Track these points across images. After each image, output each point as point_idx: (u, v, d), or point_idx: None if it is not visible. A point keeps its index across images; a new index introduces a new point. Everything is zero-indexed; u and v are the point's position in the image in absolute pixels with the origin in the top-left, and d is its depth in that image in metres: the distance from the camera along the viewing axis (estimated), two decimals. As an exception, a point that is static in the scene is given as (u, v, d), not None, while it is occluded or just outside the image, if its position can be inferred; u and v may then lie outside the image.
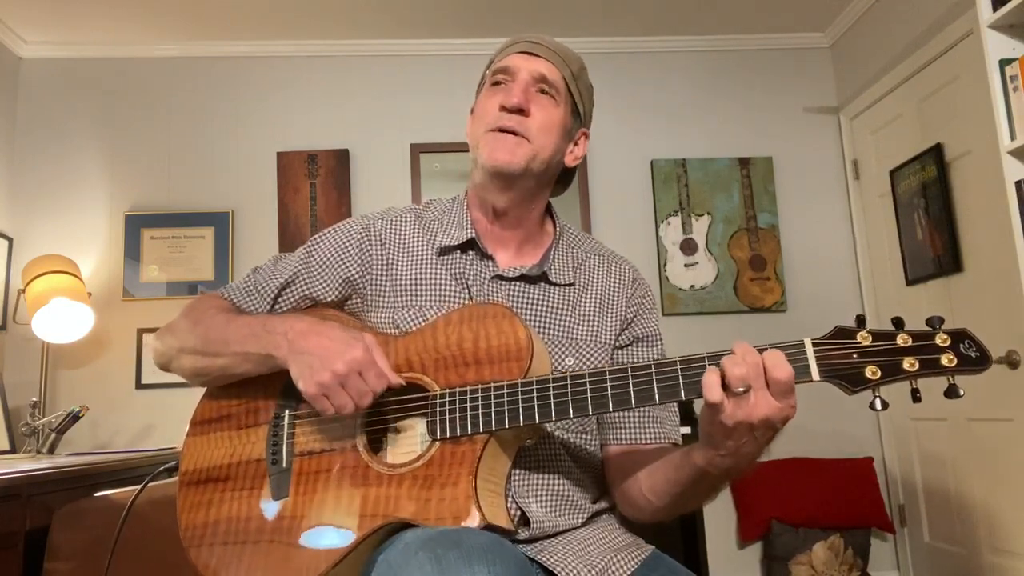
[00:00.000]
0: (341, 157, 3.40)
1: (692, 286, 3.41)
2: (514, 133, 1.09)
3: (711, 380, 0.84)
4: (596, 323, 1.15)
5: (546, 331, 1.12)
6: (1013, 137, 2.12)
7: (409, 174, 3.44)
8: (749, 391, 0.83)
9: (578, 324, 1.13)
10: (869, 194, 3.40)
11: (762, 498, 3.13)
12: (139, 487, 1.22)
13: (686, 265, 3.43)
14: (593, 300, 1.16)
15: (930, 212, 2.91)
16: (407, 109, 3.48)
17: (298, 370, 0.99)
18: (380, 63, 3.53)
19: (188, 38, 3.42)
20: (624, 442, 1.13)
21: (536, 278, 1.14)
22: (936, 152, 2.85)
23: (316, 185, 3.38)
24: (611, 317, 1.16)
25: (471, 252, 1.15)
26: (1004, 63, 2.15)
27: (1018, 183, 2.09)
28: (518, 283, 1.13)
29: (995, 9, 2.15)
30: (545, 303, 1.13)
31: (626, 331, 1.17)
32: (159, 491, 1.43)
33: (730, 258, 3.44)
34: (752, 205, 3.48)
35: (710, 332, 3.33)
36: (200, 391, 1.17)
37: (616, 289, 1.18)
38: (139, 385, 3.21)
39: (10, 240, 3.21)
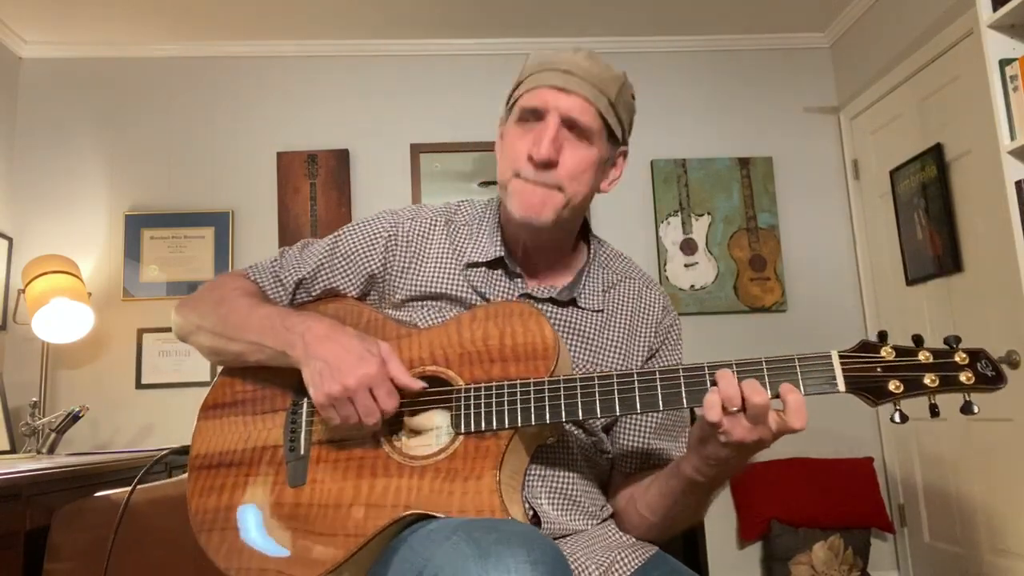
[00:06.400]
0: (341, 157, 3.40)
1: (692, 286, 3.41)
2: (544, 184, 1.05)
3: (712, 400, 0.88)
4: (623, 350, 1.13)
5: (572, 356, 1.10)
6: (1013, 137, 2.12)
7: (409, 174, 3.44)
8: (740, 413, 0.87)
9: (605, 350, 1.12)
10: (869, 194, 3.40)
11: (762, 498, 3.13)
12: (143, 469, 1.22)
13: (686, 265, 3.43)
14: (622, 326, 1.14)
15: (930, 212, 2.90)
16: (407, 109, 3.48)
17: (310, 375, 0.99)
18: (380, 63, 3.53)
19: (188, 38, 3.42)
20: (632, 470, 1.14)
21: (565, 302, 1.12)
22: (936, 152, 2.85)
23: (316, 185, 3.38)
24: (638, 344, 1.15)
25: (499, 269, 1.13)
26: (1004, 63, 2.15)
27: (1018, 183, 2.09)
28: (546, 304, 1.12)
29: (995, 9, 2.15)
30: (573, 328, 1.12)
31: (650, 361, 1.17)
32: (159, 492, 1.43)
33: (730, 258, 3.44)
34: (752, 205, 3.48)
35: (710, 332, 3.32)
36: (202, 388, 1.17)
37: (646, 316, 1.17)
38: (139, 385, 3.21)
39: (10, 240, 3.21)
